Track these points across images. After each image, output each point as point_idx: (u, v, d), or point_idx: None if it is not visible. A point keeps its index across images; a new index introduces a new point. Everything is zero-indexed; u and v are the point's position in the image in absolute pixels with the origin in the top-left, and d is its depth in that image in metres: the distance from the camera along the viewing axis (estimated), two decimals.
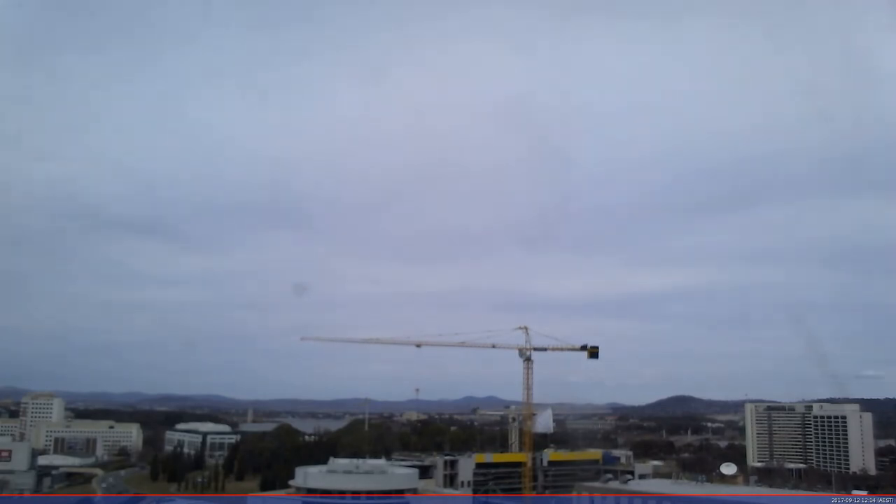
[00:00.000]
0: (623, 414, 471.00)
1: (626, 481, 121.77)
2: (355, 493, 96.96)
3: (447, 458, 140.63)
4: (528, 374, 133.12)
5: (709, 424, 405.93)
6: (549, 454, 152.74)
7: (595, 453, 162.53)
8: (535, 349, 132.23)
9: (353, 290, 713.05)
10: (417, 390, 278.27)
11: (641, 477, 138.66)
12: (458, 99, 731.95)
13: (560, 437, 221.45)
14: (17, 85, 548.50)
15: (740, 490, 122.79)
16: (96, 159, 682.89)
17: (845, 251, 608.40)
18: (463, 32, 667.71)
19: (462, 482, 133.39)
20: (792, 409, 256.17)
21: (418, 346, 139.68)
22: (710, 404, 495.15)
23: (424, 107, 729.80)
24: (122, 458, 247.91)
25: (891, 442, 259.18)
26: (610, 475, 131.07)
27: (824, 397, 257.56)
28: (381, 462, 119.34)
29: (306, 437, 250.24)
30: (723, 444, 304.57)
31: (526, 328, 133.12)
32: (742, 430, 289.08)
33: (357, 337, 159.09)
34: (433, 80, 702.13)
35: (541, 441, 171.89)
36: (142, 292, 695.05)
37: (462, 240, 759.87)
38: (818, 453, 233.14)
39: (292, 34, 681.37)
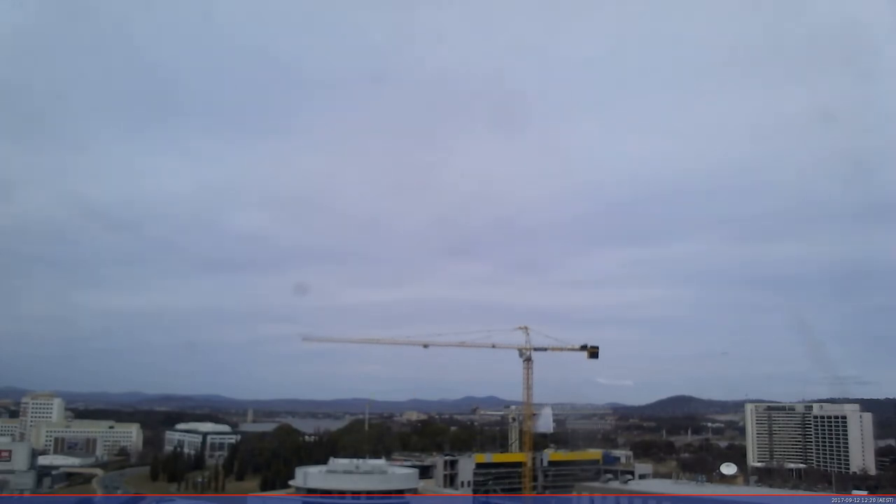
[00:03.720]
0: (623, 414, 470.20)
1: (626, 481, 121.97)
2: (355, 493, 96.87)
3: (447, 458, 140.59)
4: (528, 374, 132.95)
5: (709, 424, 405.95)
6: (549, 454, 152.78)
7: (595, 453, 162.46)
8: (535, 349, 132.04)
9: (354, 294, 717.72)
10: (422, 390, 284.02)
11: (641, 477, 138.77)
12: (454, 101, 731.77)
13: (560, 437, 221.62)
14: None
15: (740, 490, 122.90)
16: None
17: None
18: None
19: (462, 482, 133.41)
20: (792, 409, 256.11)
21: (425, 346, 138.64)
22: (710, 404, 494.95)
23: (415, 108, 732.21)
24: (122, 458, 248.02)
25: (891, 442, 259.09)
26: (610, 475, 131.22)
27: (824, 397, 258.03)
28: (381, 462, 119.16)
29: (306, 437, 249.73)
30: (723, 444, 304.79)
31: (526, 328, 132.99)
32: (742, 430, 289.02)
33: (357, 337, 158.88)
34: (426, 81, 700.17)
35: (541, 441, 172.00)
36: (143, 294, 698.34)
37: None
38: (818, 453, 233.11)
39: None
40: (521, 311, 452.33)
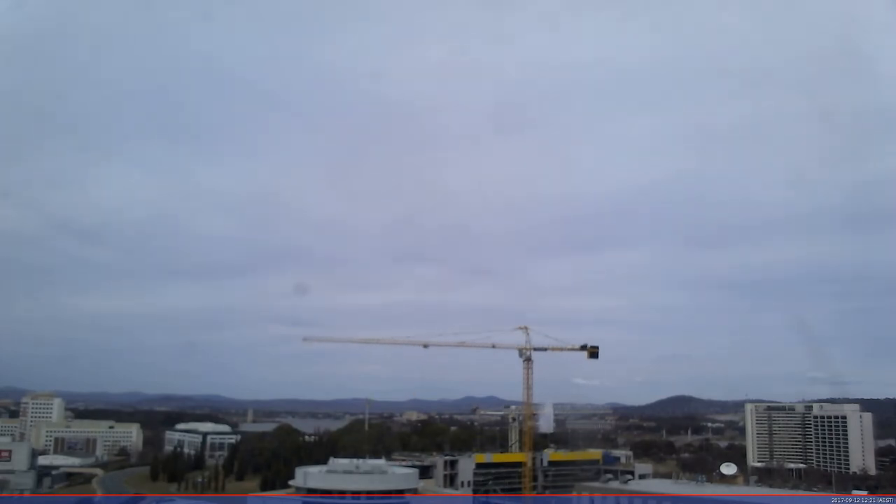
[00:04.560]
0: (623, 414, 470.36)
1: (626, 481, 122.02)
2: (355, 493, 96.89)
3: (447, 458, 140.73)
4: (528, 374, 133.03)
5: (709, 424, 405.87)
6: (549, 454, 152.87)
7: (595, 453, 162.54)
8: (535, 349, 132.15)
9: (348, 296, 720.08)
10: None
11: (641, 477, 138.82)
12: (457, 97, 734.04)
13: (560, 437, 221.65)
14: None
15: (740, 490, 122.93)
16: None
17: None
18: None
19: (462, 482, 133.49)
20: (792, 409, 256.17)
21: (425, 346, 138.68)
22: (710, 404, 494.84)
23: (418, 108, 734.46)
24: (122, 458, 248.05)
25: (891, 442, 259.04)
26: (610, 475, 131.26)
27: (824, 397, 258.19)
28: (381, 462, 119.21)
29: (306, 437, 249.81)
30: (723, 444, 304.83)
31: (526, 328, 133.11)
32: (742, 430, 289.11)
33: (357, 337, 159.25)
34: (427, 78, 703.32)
35: (541, 441, 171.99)
36: (145, 294, 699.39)
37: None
38: (818, 453, 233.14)
39: None
40: (512, 313, 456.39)
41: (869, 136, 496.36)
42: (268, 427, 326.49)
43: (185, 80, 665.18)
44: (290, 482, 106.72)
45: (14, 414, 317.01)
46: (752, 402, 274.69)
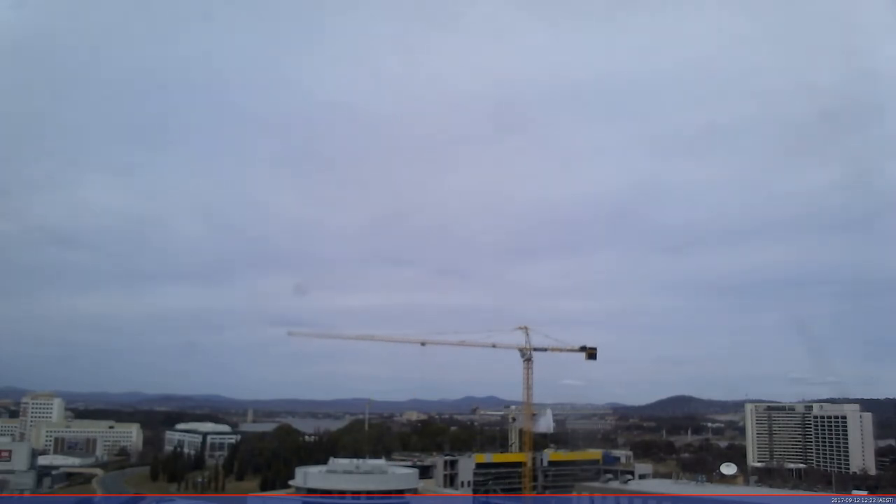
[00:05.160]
0: (623, 414, 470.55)
1: (626, 481, 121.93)
2: (355, 493, 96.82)
3: (447, 458, 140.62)
4: (528, 374, 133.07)
5: (709, 424, 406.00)
6: (549, 454, 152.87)
7: (595, 453, 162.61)
8: (535, 349, 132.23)
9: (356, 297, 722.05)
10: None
11: (641, 477, 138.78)
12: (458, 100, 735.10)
13: (560, 437, 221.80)
14: None
15: (740, 490, 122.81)
16: None
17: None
18: None
19: (462, 482, 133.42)
20: (792, 409, 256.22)
21: (423, 344, 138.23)
22: (710, 404, 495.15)
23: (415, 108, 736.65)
24: (122, 458, 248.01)
25: (891, 442, 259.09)
26: (610, 475, 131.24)
27: (824, 397, 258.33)
28: (381, 462, 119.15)
29: (306, 437, 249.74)
30: (723, 444, 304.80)
31: (526, 328, 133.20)
32: (742, 430, 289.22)
33: (351, 334, 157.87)
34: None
35: (541, 441, 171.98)
36: (144, 293, 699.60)
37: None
38: (818, 453, 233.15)
39: None
40: (512, 313, 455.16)
41: (868, 136, 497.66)
42: (268, 427, 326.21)
43: (182, 84, 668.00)
44: (290, 482, 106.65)
45: (14, 414, 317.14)
46: (752, 402, 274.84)
